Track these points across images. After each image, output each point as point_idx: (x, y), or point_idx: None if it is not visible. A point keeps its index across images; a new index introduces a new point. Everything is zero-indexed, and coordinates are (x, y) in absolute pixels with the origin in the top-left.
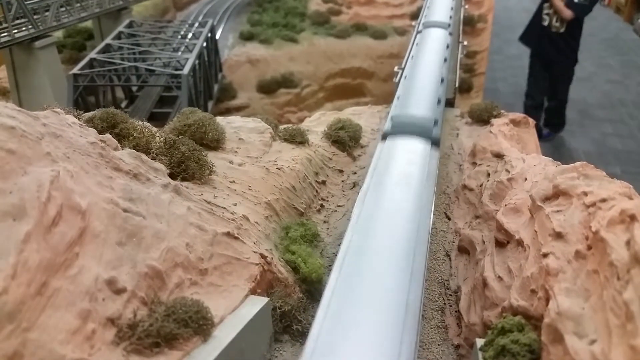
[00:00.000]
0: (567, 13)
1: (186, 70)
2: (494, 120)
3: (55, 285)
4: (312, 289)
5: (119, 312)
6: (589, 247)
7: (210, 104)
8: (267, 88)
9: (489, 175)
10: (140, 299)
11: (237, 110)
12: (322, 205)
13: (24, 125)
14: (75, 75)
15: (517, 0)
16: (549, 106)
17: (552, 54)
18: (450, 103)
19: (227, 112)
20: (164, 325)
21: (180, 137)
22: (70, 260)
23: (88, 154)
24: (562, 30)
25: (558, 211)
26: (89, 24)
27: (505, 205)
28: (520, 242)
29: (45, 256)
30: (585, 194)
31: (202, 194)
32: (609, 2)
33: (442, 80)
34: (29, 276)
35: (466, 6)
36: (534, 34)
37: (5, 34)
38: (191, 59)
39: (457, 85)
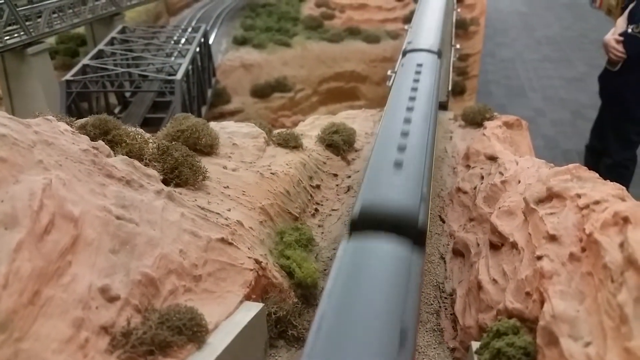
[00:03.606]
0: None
1: (179, 75)
2: (487, 123)
3: (48, 294)
4: (308, 293)
5: (112, 320)
6: (583, 250)
7: (203, 109)
8: (261, 92)
9: (482, 178)
10: (134, 306)
11: (231, 114)
12: (316, 210)
13: (16, 133)
14: (68, 81)
15: (510, 3)
16: (602, 165)
17: (604, 97)
18: (443, 106)
19: (220, 116)
20: (158, 333)
21: (173, 143)
22: (63, 268)
23: (80, 161)
24: (616, 68)
25: (552, 213)
26: (81, 30)
27: (499, 207)
28: (514, 245)
29: (38, 265)
30: (579, 196)
31: (195, 200)
32: (600, 4)
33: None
34: (21, 285)
35: (458, 9)
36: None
37: None
38: (184, 64)
39: (450, 88)
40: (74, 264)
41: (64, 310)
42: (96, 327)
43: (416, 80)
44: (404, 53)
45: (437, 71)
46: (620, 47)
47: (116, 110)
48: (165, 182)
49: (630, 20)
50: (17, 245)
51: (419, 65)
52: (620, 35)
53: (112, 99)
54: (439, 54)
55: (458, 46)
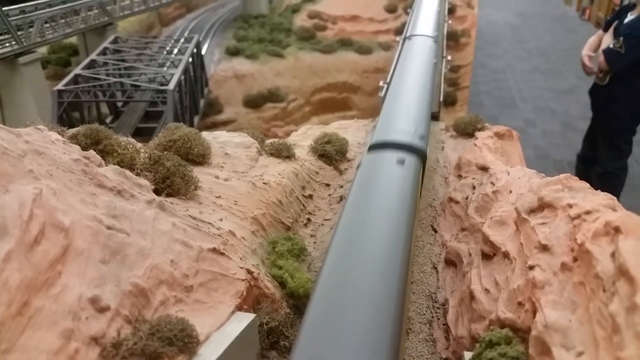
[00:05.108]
0: (600, 59)
1: (172, 85)
2: (478, 134)
3: (37, 305)
4: (300, 304)
5: (102, 331)
6: (575, 259)
7: (196, 119)
8: (254, 102)
9: (474, 187)
10: (124, 317)
11: (224, 124)
12: (308, 219)
13: (6, 143)
14: (59, 91)
15: (501, 15)
16: (593, 174)
17: (595, 110)
18: (435, 117)
19: (213, 126)
20: (149, 344)
21: (165, 152)
22: (52, 279)
23: (71, 170)
24: (604, 82)
25: (543, 223)
26: (73, 39)
27: (491, 217)
28: (506, 255)
29: (27, 275)
30: (570, 206)
31: (187, 210)
32: (589, 17)
33: None
34: (10, 296)
35: (449, 21)
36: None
37: None
38: (177, 74)
39: (441, 99)
40: (63, 274)
41: (53, 321)
42: (86, 338)
43: None
44: None
45: None
46: (589, 63)
47: (108, 120)
48: (157, 192)
49: (615, 37)
50: (6, 256)
51: None
52: (604, 51)
53: (104, 109)
54: None
55: (449, 57)
